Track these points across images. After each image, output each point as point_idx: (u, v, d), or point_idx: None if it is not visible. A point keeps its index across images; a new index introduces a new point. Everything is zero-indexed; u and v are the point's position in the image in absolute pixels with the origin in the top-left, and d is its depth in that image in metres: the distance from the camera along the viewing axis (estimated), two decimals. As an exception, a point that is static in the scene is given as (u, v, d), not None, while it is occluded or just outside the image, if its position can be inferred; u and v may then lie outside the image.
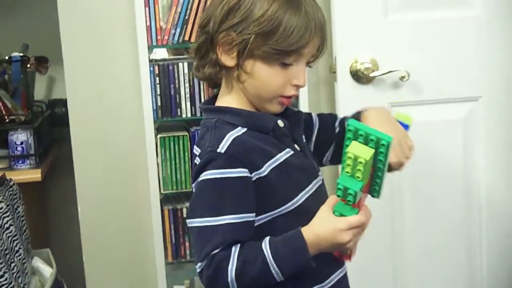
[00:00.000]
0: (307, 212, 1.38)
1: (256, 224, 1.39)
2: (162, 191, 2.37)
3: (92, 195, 2.45)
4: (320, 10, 1.41)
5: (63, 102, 2.64)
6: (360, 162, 1.27)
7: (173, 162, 2.35)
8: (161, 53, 2.50)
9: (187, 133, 2.36)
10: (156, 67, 2.31)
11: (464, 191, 2.35)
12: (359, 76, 2.25)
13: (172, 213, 2.39)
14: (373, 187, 1.37)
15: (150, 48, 2.32)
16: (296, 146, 1.47)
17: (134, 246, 2.50)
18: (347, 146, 1.30)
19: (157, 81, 2.31)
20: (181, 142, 2.35)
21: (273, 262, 1.32)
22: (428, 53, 2.27)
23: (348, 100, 2.27)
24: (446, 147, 2.32)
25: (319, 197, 1.45)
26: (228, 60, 1.40)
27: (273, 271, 1.32)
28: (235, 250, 1.33)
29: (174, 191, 2.38)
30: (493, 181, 2.35)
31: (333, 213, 1.33)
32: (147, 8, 2.26)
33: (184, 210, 2.39)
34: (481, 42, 2.28)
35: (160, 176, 2.35)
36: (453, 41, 2.27)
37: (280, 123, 1.44)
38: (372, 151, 1.28)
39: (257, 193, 1.38)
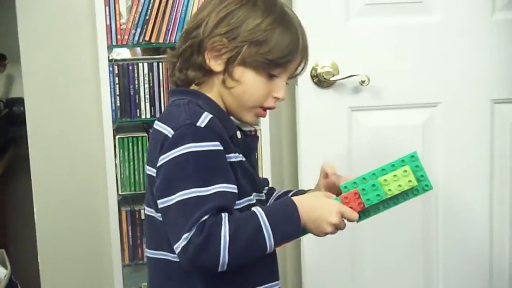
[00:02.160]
0: None
1: None
2: (120, 192, 2.34)
3: (48, 195, 2.42)
4: (306, 34, 1.47)
5: (22, 101, 2.60)
6: (409, 185, 1.37)
7: (131, 163, 2.33)
8: (124, 54, 2.48)
9: (146, 134, 2.34)
10: (116, 67, 2.28)
11: (422, 195, 2.35)
12: (319, 80, 2.25)
13: (130, 215, 2.36)
14: (368, 211, 1.40)
15: (110, 48, 2.29)
16: (243, 157, 1.46)
17: (90, 248, 2.47)
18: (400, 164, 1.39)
19: (117, 81, 2.29)
20: (139, 143, 2.33)
21: (267, 224, 1.32)
22: (388, 59, 2.28)
23: (308, 103, 2.27)
24: (404, 152, 2.31)
25: None
26: (216, 65, 1.41)
27: (266, 235, 1.31)
28: (225, 215, 1.30)
29: (132, 192, 2.36)
30: (451, 187, 2.37)
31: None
32: (107, 7, 2.24)
33: (142, 212, 2.36)
34: (441, 49, 2.30)
35: (118, 177, 2.33)
36: (413, 47, 2.29)
37: (239, 134, 1.47)
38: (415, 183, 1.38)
39: None
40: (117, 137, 2.32)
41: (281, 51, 1.40)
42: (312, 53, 2.21)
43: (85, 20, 2.35)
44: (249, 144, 1.51)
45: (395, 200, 1.40)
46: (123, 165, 2.33)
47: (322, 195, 1.41)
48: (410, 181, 1.38)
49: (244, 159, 1.45)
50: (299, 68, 1.48)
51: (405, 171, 1.38)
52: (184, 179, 1.32)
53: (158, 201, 1.35)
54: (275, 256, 1.49)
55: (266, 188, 1.64)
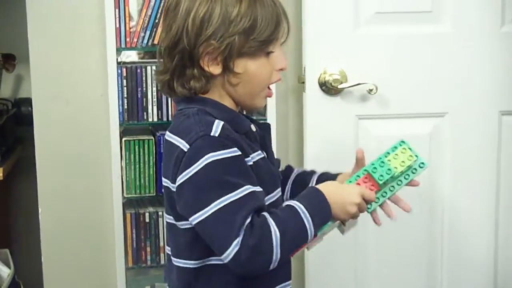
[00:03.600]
0: None
1: None
2: (125, 195, 2.35)
3: (53, 196, 2.42)
4: None
5: (29, 101, 2.60)
6: (410, 158, 1.46)
7: (137, 166, 2.34)
8: (133, 56, 2.48)
9: (152, 137, 2.35)
10: (124, 70, 2.29)
11: (428, 204, 2.36)
12: (327, 87, 2.25)
13: (134, 217, 2.37)
14: (377, 197, 1.47)
15: (119, 50, 2.30)
16: (264, 152, 1.47)
17: (94, 250, 2.47)
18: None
19: (125, 84, 2.29)
20: (146, 146, 2.33)
21: (307, 215, 1.33)
22: (396, 67, 2.28)
23: (316, 110, 2.27)
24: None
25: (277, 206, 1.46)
26: (215, 68, 1.39)
27: (308, 226, 1.33)
28: (267, 214, 1.32)
29: (137, 195, 2.36)
30: (457, 196, 2.36)
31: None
32: (117, 10, 2.25)
33: (147, 215, 2.37)
34: (449, 59, 2.30)
35: (124, 179, 2.33)
36: (422, 56, 2.28)
37: (253, 127, 1.46)
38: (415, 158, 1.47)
39: None
40: (123, 139, 2.32)
41: (268, 27, 1.38)
42: (320, 61, 2.24)
43: (94, 22, 2.35)
44: (265, 135, 1.50)
45: (398, 181, 1.48)
46: (129, 168, 2.33)
47: (339, 183, 1.49)
48: (410, 156, 1.47)
49: (265, 154, 1.46)
50: (287, 32, 1.45)
51: (403, 149, 1.48)
52: (213, 189, 1.31)
53: (191, 218, 1.34)
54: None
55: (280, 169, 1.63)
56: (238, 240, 1.28)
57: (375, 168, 1.45)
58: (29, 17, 2.33)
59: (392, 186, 1.48)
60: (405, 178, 1.48)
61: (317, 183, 1.57)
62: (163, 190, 1.45)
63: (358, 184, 1.46)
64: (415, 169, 1.49)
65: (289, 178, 1.63)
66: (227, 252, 1.29)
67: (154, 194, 2.36)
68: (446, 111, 2.32)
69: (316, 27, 2.24)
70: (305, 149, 2.30)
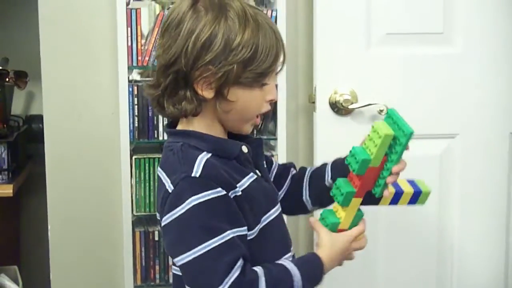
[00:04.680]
0: (268, 237, 1.40)
1: None
2: (135, 213, 2.34)
3: (63, 213, 2.42)
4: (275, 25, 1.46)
5: (41, 118, 2.61)
6: (379, 137, 1.36)
7: (147, 184, 2.34)
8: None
9: (163, 156, 2.35)
10: (135, 88, 2.30)
11: (437, 225, 2.35)
12: (338, 108, 2.25)
13: (144, 236, 2.36)
14: (378, 181, 1.42)
15: (130, 69, 2.31)
16: (257, 171, 1.46)
17: (103, 267, 2.47)
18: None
19: (136, 102, 2.30)
20: (156, 164, 2.33)
21: (300, 282, 1.35)
22: (407, 88, 2.28)
23: (326, 130, 2.27)
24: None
25: (278, 224, 1.47)
26: (208, 93, 1.37)
27: None
28: (261, 273, 1.32)
29: (147, 213, 2.36)
30: (467, 218, 2.35)
31: (320, 220, 1.46)
32: (129, 28, 2.26)
33: (156, 233, 2.36)
34: (460, 80, 2.30)
35: (133, 197, 2.33)
36: (433, 77, 2.28)
37: (244, 148, 1.44)
38: (392, 132, 1.38)
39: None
40: (134, 157, 2.32)
41: (268, 60, 1.37)
42: (331, 80, 2.24)
43: (106, 40, 2.36)
44: (257, 151, 1.49)
45: (389, 161, 1.41)
46: (139, 186, 2.33)
47: (332, 238, 1.45)
48: (379, 135, 1.37)
49: (259, 174, 1.45)
50: (283, 63, 1.44)
51: (374, 130, 1.39)
52: (196, 234, 1.31)
53: (175, 260, 1.34)
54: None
55: (293, 171, 1.64)
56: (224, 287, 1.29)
57: (354, 157, 1.39)
58: (41, 35, 2.34)
59: (385, 171, 1.42)
60: (392, 153, 1.41)
61: (332, 172, 1.56)
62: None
63: (351, 179, 1.43)
64: (398, 139, 1.39)
65: (304, 177, 1.61)
66: None
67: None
68: (457, 133, 2.32)
69: (327, 47, 2.25)
70: (315, 169, 2.29)
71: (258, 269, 1.33)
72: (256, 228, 1.40)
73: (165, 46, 1.38)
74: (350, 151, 1.41)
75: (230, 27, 1.34)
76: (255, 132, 2.31)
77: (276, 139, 2.34)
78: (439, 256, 2.36)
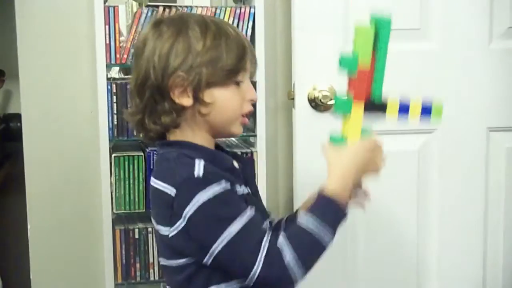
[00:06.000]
0: None
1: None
2: (115, 211, 2.34)
3: (43, 212, 2.41)
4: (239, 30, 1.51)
5: (19, 117, 2.60)
6: (360, 34, 1.42)
7: (127, 182, 2.33)
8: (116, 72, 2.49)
9: (142, 153, 2.34)
10: (114, 86, 2.29)
11: (417, 220, 2.36)
12: (316, 104, 2.25)
13: (124, 234, 2.36)
14: (374, 85, 1.48)
15: (109, 66, 2.30)
16: (248, 188, 1.47)
17: (83, 266, 2.47)
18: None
19: (114, 100, 2.29)
20: (136, 162, 2.33)
21: (320, 229, 1.35)
22: (385, 84, 2.28)
23: (305, 126, 2.28)
24: (400, 178, 2.33)
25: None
26: (185, 100, 1.40)
27: (323, 240, 1.35)
28: (283, 238, 1.33)
29: (127, 211, 2.35)
30: (445, 212, 2.37)
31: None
32: (107, 26, 2.25)
33: (136, 231, 2.36)
34: (437, 76, 2.31)
35: (113, 195, 2.33)
36: (410, 73, 2.30)
37: (236, 164, 1.46)
38: (367, 26, 1.43)
39: None
40: (113, 155, 2.32)
41: (235, 56, 1.41)
42: (310, 77, 2.25)
43: (84, 38, 2.35)
44: (247, 170, 1.50)
45: (378, 61, 1.49)
46: (119, 184, 2.33)
47: (339, 153, 1.47)
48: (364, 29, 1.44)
49: (249, 190, 1.46)
50: (254, 63, 1.48)
51: (355, 33, 1.44)
52: (215, 226, 1.33)
53: (205, 258, 1.36)
54: None
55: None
56: (254, 270, 1.31)
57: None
58: (19, 33, 2.33)
59: (376, 66, 1.49)
60: (379, 50, 1.48)
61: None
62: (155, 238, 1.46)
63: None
64: (380, 34, 1.47)
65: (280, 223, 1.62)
66: (253, 269, 1.31)
67: (144, 210, 2.35)
68: (434, 128, 2.33)
69: (306, 43, 2.25)
70: (294, 165, 2.30)
71: (282, 235, 1.34)
72: None
73: (136, 69, 1.43)
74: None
75: (192, 34, 1.40)
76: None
77: (255, 135, 2.35)
78: (419, 252, 2.38)
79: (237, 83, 1.43)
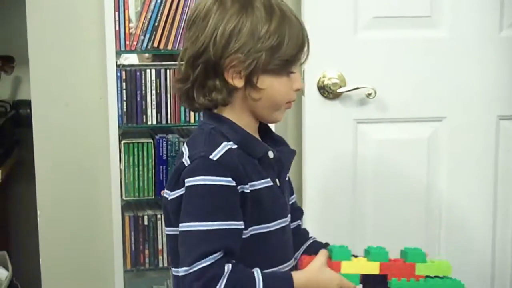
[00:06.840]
0: (262, 244, 1.42)
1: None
2: (124, 198, 2.35)
3: (52, 199, 2.42)
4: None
5: (28, 103, 2.61)
6: None
7: (136, 168, 2.34)
8: (132, 59, 2.48)
9: (151, 140, 2.35)
10: (124, 73, 2.29)
11: (426, 209, 2.36)
12: (326, 91, 2.25)
13: (133, 220, 2.37)
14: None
15: (118, 53, 2.30)
16: (277, 180, 1.47)
17: (93, 252, 2.47)
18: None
19: (124, 87, 2.30)
20: (145, 149, 2.34)
21: None
22: (395, 72, 2.29)
23: (314, 114, 2.28)
24: (409, 166, 2.33)
25: (280, 236, 1.47)
26: (238, 82, 1.40)
27: None
28: (227, 271, 1.32)
29: (136, 198, 2.36)
30: (455, 201, 2.37)
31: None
32: (116, 13, 2.25)
33: (145, 218, 2.37)
34: (448, 63, 2.30)
35: (123, 182, 2.34)
36: (420, 61, 2.29)
37: (271, 154, 1.45)
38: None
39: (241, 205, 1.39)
40: (122, 142, 2.32)
41: (294, 47, 1.41)
42: (319, 64, 2.24)
43: (94, 24, 2.35)
44: (283, 161, 1.49)
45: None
46: (128, 171, 2.33)
47: (322, 269, 1.43)
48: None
49: (272, 183, 1.45)
50: (307, 55, 1.48)
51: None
52: (188, 211, 1.36)
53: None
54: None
55: (299, 222, 1.63)
56: (187, 269, 1.33)
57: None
58: (28, 20, 2.33)
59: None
60: None
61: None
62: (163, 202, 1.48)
63: None
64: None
65: (303, 245, 1.60)
66: (181, 269, 1.34)
67: (153, 197, 2.36)
68: (444, 116, 2.33)
69: (315, 31, 2.23)
70: (303, 153, 2.30)
71: (227, 267, 1.33)
72: (248, 231, 1.40)
73: (193, 38, 1.41)
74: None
75: (256, 16, 1.38)
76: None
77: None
78: (427, 239, 2.37)
79: (289, 73, 1.43)
